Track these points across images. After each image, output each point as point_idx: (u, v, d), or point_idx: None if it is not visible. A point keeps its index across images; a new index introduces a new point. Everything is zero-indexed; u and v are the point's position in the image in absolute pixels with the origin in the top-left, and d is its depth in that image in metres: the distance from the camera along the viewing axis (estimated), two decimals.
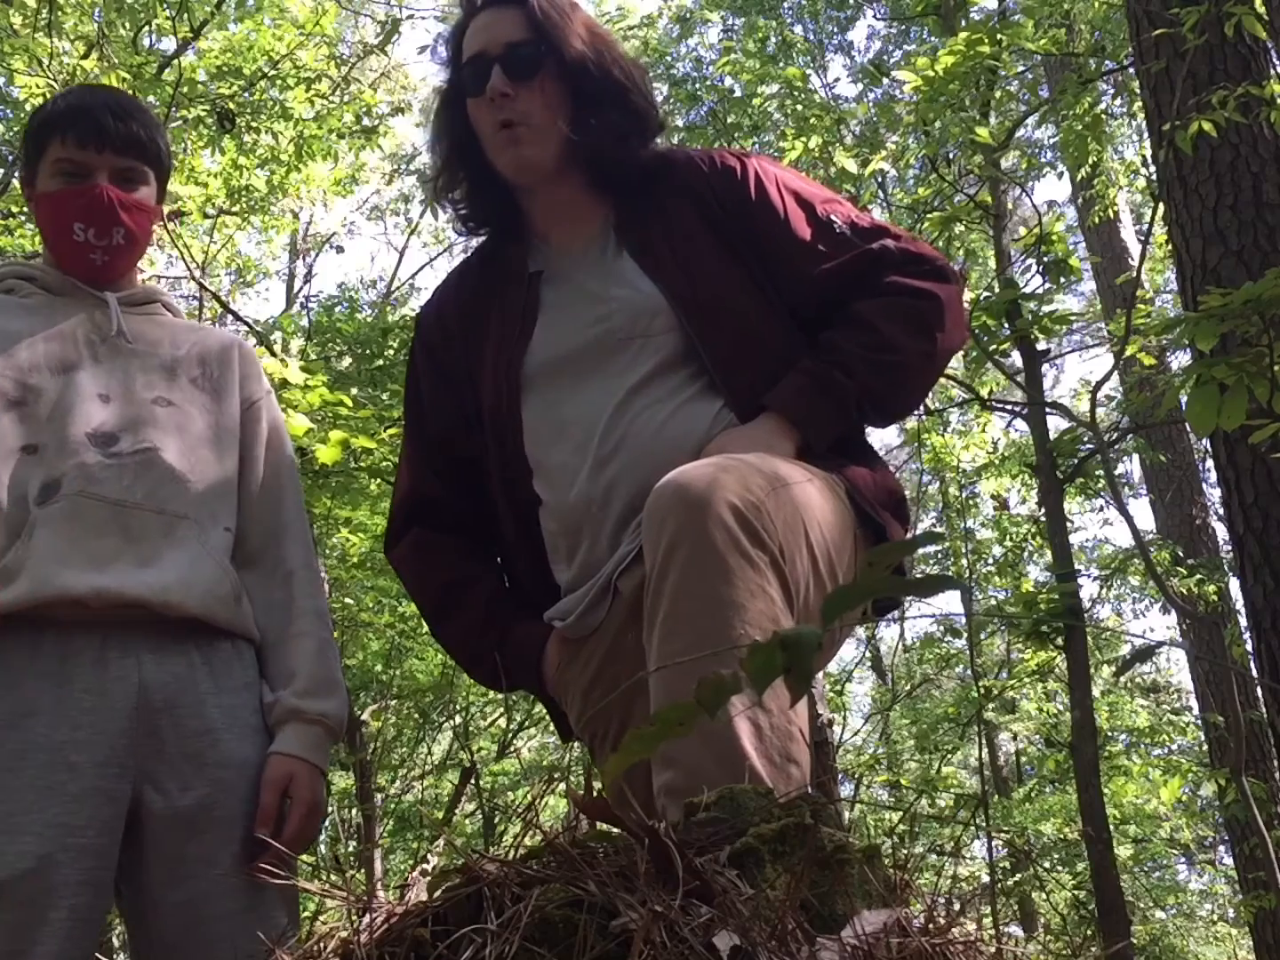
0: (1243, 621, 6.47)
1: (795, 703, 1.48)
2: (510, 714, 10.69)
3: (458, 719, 10.17)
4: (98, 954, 1.69)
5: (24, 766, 1.74)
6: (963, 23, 7.40)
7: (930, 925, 1.04)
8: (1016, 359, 7.06)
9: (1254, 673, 5.18)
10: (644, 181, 1.97)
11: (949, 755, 12.58)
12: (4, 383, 1.90)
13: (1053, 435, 6.42)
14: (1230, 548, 5.08)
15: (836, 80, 24.31)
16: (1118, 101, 9.93)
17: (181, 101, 6.99)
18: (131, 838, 1.80)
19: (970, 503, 12.18)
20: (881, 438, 22.67)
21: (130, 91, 5.28)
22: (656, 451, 1.78)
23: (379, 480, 6.44)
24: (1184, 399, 3.04)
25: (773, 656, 0.79)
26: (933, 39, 10.00)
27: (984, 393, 8.36)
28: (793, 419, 1.81)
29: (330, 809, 9.41)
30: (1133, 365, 8.08)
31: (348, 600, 8.92)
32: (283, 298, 16.25)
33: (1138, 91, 5.56)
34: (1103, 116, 7.52)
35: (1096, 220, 9.67)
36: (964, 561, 11.03)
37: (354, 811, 9.86)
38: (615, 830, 1.11)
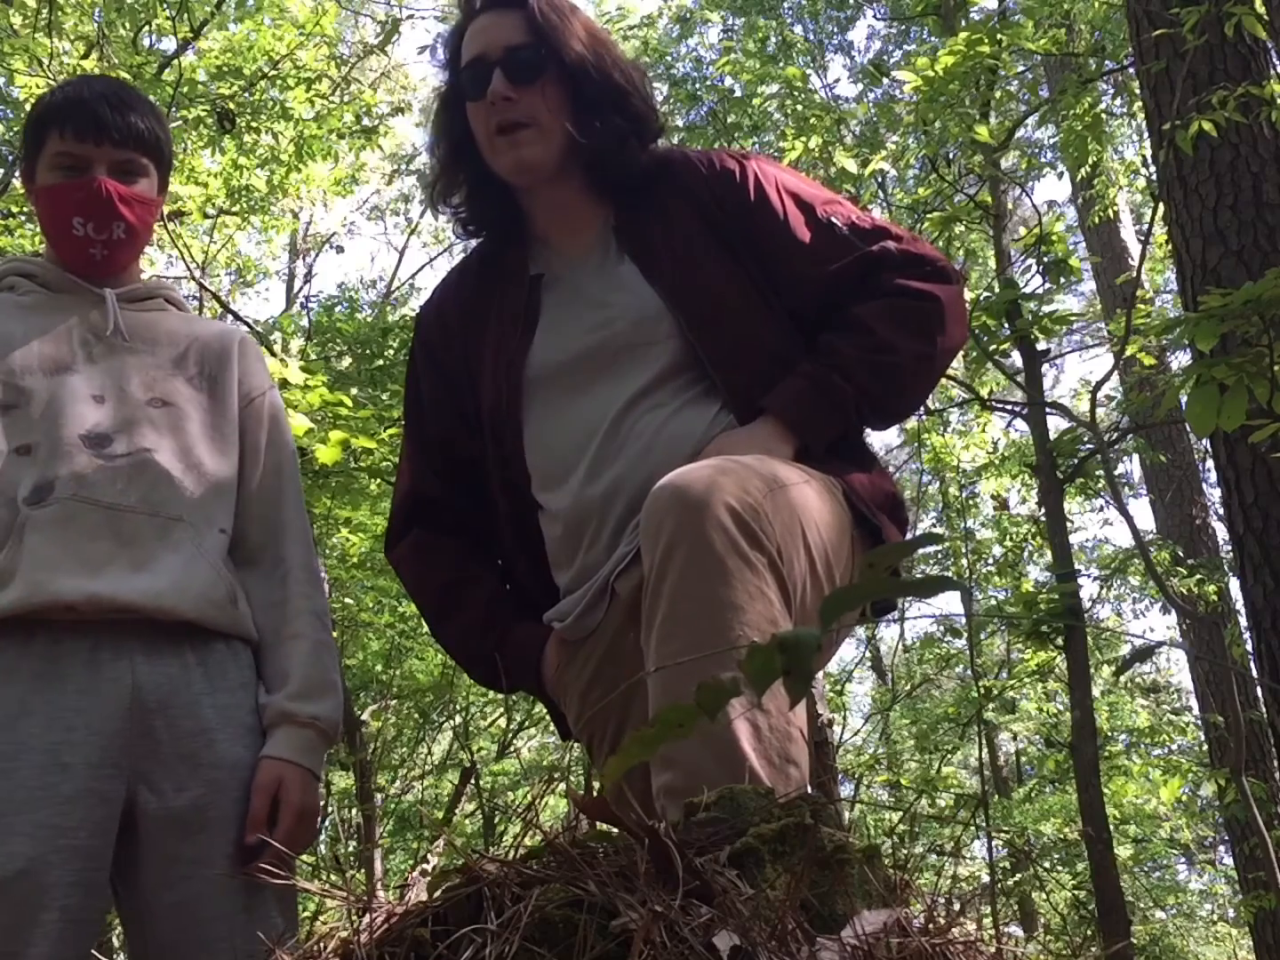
0: (1243, 621, 6.47)
1: (794, 705, 1.48)
2: (510, 714, 10.69)
3: (458, 719, 10.17)
4: (97, 955, 1.69)
5: (16, 768, 1.73)
6: (963, 23, 7.40)
7: (930, 925, 1.04)
8: (1016, 359, 7.06)
9: (1254, 673, 5.18)
10: (644, 184, 1.97)
11: (949, 755, 12.57)
12: None
13: (1053, 435, 6.42)
14: (1230, 548, 5.08)
15: (836, 80, 24.35)
16: (1118, 101, 9.94)
17: (181, 101, 6.98)
18: (126, 838, 1.79)
19: (970, 503, 12.16)
20: (882, 438, 22.67)
21: None
22: (655, 454, 1.79)
23: (379, 480, 6.43)
24: (1184, 399, 3.04)
25: (771, 658, 0.79)
26: (933, 39, 9.98)
27: (984, 393, 8.37)
28: (791, 422, 1.81)
29: (330, 809, 9.46)
30: (1133, 365, 8.08)
31: (348, 600, 8.92)
32: (283, 298, 16.25)
33: (1138, 91, 5.56)
34: (1103, 116, 7.52)
35: (1096, 220, 9.67)
36: (964, 562, 11.02)
37: (354, 811, 9.85)
38: (615, 830, 1.10)
